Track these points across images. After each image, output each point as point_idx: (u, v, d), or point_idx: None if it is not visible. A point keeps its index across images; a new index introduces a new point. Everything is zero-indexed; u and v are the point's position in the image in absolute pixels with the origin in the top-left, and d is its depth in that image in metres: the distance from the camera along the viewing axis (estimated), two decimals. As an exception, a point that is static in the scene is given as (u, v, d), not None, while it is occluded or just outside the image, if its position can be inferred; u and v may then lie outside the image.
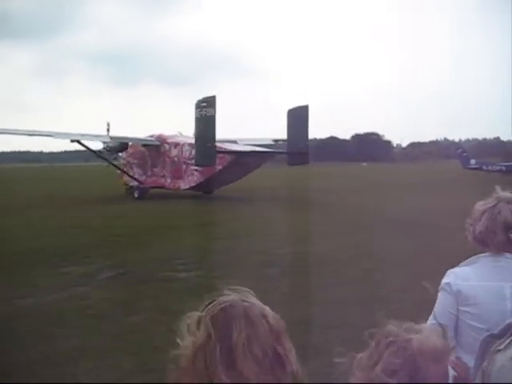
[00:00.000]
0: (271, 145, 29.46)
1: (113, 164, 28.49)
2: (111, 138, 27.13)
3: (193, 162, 23.86)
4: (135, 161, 27.70)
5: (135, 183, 27.25)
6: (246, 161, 23.93)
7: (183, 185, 25.67)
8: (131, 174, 27.54)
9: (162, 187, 26.58)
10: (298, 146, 23.70)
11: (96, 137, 26.88)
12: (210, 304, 1.20)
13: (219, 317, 1.15)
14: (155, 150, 26.71)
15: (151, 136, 27.67)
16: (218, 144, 22.45)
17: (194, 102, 22.38)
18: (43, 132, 25.58)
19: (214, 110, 21.95)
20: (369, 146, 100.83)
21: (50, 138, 25.16)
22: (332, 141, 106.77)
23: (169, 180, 26.33)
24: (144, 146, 27.27)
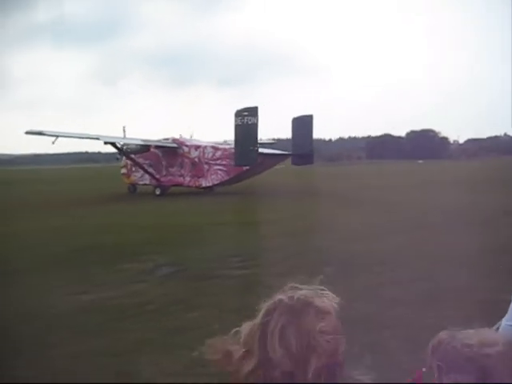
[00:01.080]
0: (273, 143, 34.46)
1: (138, 164, 29.79)
2: (143, 141, 29.52)
3: (217, 162, 27.92)
4: (147, 161, 29.77)
5: (147, 182, 29.76)
6: (266, 161, 27.34)
7: (205, 182, 28.64)
8: (139, 175, 30.10)
9: (180, 185, 29.17)
10: (304, 148, 27.34)
11: (127, 139, 29.80)
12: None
13: (268, 306, 1.30)
14: (172, 151, 29.32)
15: (166, 139, 30.25)
16: None
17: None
18: (91, 135, 27.80)
19: (256, 118, 25.76)
20: (425, 143, 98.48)
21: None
22: (386, 138, 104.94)
23: (188, 178, 29.10)
24: (158, 148, 29.69)
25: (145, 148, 29.54)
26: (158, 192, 28.56)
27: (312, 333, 1.22)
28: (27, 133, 26.04)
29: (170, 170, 29.44)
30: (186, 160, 29.16)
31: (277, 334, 1.24)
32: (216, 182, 28.39)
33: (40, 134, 25.81)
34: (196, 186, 28.89)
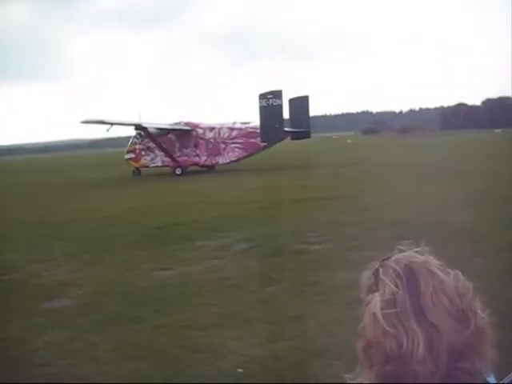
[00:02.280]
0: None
1: (161, 146, 31.61)
2: (186, 123, 32.33)
3: (233, 141, 31.19)
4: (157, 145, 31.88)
5: (159, 164, 32.33)
6: None
7: (222, 160, 31.67)
8: (149, 158, 32.59)
9: (196, 164, 31.99)
10: (301, 126, 30.72)
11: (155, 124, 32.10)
12: (384, 260, 1.18)
13: (403, 269, 1.13)
14: (186, 134, 31.76)
15: (178, 123, 32.66)
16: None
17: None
18: (133, 122, 30.70)
19: (280, 100, 29.28)
20: (503, 111, 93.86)
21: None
22: (461, 108, 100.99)
23: (204, 158, 31.87)
24: (171, 132, 31.89)
25: (165, 132, 31.69)
26: (178, 172, 30.85)
27: (461, 296, 1.09)
28: (83, 122, 28.53)
29: (184, 151, 31.90)
30: (201, 141, 31.80)
31: (430, 301, 1.07)
32: (233, 159, 31.48)
33: (87, 122, 28.54)
34: (212, 164, 31.90)
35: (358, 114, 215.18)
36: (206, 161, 31.95)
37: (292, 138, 32.55)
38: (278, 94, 29.34)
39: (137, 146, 33.15)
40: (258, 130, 30.44)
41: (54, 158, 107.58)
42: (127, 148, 33.99)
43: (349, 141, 75.49)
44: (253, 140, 30.84)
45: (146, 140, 32.38)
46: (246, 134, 31.37)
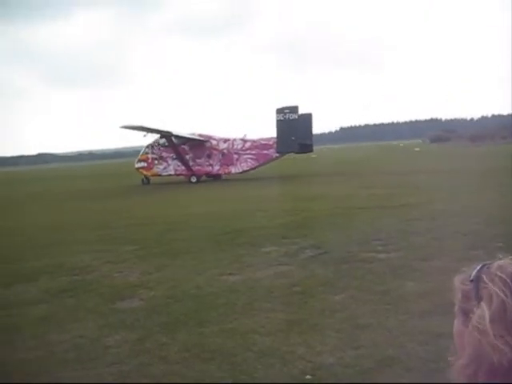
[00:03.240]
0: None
1: (181, 156, 33.58)
2: (199, 135, 34.67)
3: (246, 152, 33.63)
4: (171, 154, 33.88)
5: (172, 173, 34.23)
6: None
7: (234, 170, 33.97)
8: (162, 167, 34.36)
9: (209, 173, 34.35)
10: (306, 140, 32.51)
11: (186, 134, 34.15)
12: (485, 266, 1.12)
13: (510, 277, 1.07)
14: (199, 144, 33.86)
15: (192, 134, 34.52)
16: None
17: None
18: (164, 130, 32.45)
19: (296, 115, 31.81)
20: None
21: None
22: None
23: (217, 167, 34.14)
24: (184, 142, 33.83)
25: (183, 141, 33.69)
26: (193, 180, 33.30)
27: None
28: (123, 127, 30.44)
29: (198, 160, 33.99)
30: (215, 151, 34.03)
31: None
32: (246, 169, 34.00)
33: (126, 127, 30.47)
34: (226, 173, 34.19)
35: (426, 121, 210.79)
36: (219, 170, 34.29)
37: (296, 153, 34.16)
38: (294, 110, 32.09)
39: (149, 155, 34.80)
40: (271, 142, 33.18)
41: (126, 163, 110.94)
42: (138, 157, 35.50)
43: (416, 149, 73.87)
44: (265, 151, 33.59)
45: (158, 149, 34.27)
46: (259, 145, 33.82)
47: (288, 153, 33.72)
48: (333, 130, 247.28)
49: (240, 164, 34.00)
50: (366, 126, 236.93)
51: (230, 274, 8.44)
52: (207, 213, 16.70)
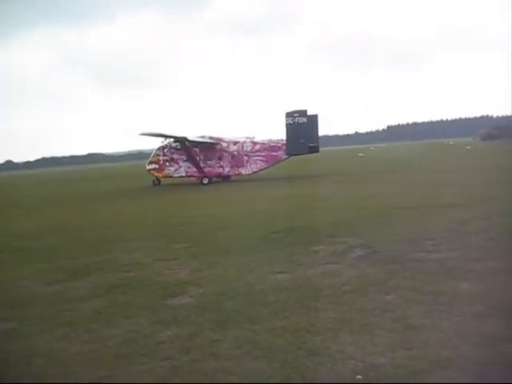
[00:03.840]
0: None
1: (193, 158, 34.88)
2: (210, 137, 35.86)
3: (256, 154, 34.92)
4: (182, 156, 35.31)
5: (183, 174, 35.48)
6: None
7: (244, 171, 35.28)
8: (173, 169, 35.56)
9: (220, 175, 35.52)
10: (312, 142, 33.66)
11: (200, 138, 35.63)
12: None
13: None
14: (210, 147, 35.04)
15: (203, 136, 35.72)
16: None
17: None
18: (178, 136, 34.16)
19: (305, 118, 33.21)
20: None
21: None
22: None
23: (227, 169, 35.35)
24: (195, 145, 35.07)
25: (194, 144, 34.96)
26: (205, 181, 34.24)
27: None
28: (142, 134, 32.21)
29: (209, 162, 35.17)
30: (225, 153, 35.16)
31: None
32: (255, 170, 35.24)
33: (145, 134, 32.16)
34: (236, 175, 35.46)
35: (476, 118, 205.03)
36: (229, 171, 35.54)
37: (304, 154, 35.30)
38: (303, 113, 33.41)
39: (160, 158, 36.06)
40: (279, 144, 34.64)
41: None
42: (150, 159, 36.82)
43: (467, 147, 72.07)
44: (274, 153, 34.91)
45: (170, 151, 35.55)
46: (268, 147, 35.12)
47: (297, 155, 34.89)
48: (380, 129, 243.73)
49: (250, 165, 35.25)
50: (415, 124, 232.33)
51: (280, 272, 8.44)
52: (251, 212, 16.77)
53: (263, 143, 35.44)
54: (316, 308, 6.56)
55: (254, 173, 35.19)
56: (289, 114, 33.54)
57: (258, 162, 35.12)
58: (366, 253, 9.42)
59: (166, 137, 34.38)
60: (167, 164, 35.81)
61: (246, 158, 35.15)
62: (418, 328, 5.63)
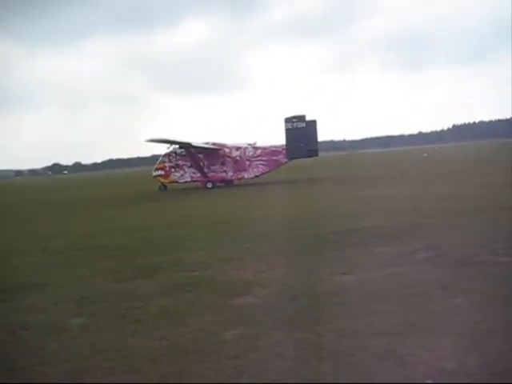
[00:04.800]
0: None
1: (198, 163, 36.46)
2: (213, 143, 37.39)
3: (257, 158, 36.48)
4: (187, 163, 36.89)
5: (188, 180, 37.08)
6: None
7: (247, 175, 36.90)
8: (179, 174, 37.16)
9: (223, 179, 37.00)
10: (311, 146, 35.50)
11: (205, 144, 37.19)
12: None
13: None
14: (214, 152, 36.62)
15: (206, 143, 37.32)
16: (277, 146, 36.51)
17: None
18: (184, 142, 35.55)
19: (304, 123, 34.59)
20: None
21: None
22: None
23: (231, 173, 36.94)
24: (199, 151, 36.65)
25: (198, 150, 36.50)
26: (209, 185, 35.89)
27: None
28: (148, 141, 33.99)
29: (212, 167, 36.74)
30: (228, 159, 36.77)
31: None
32: (257, 174, 36.83)
33: (151, 141, 34.08)
34: (239, 179, 37.05)
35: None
36: (232, 176, 37.11)
37: (305, 157, 37.05)
38: (301, 118, 34.77)
39: (166, 164, 37.67)
40: (280, 149, 36.08)
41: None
42: (156, 166, 38.36)
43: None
44: (275, 157, 36.40)
45: (175, 158, 37.14)
46: (269, 152, 36.66)
47: (297, 158, 36.90)
48: (445, 128, 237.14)
49: (252, 170, 36.83)
50: (481, 122, 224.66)
51: (344, 273, 8.39)
52: (308, 213, 16.72)
53: (264, 148, 37.14)
54: (382, 310, 6.48)
55: (256, 177, 36.94)
56: (288, 120, 34.89)
57: (260, 166, 36.78)
58: (432, 255, 9.22)
59: (172, 143, 35.88)
60: (173, 170, 37.52)
61: (248, 162, 36.83)
62: (490, 333, 5.47)
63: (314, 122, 35.61)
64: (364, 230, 12.29)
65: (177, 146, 36.72)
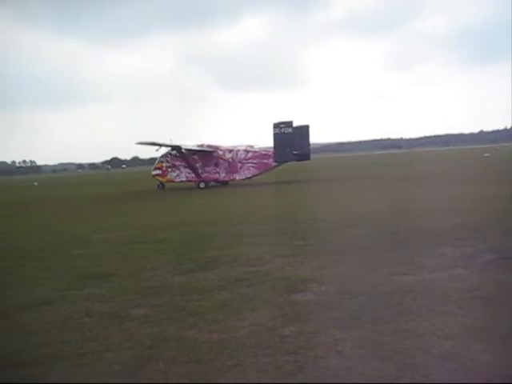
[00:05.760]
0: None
1: (191, 164, 38.36)
2: (208, 145, 39.29)
3: (248, 161, 38.25)
4: (182, 163, 38.86)
5: (183, 179, 39.18)
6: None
7: (238, 177, 38.64)
8: (175, 174, 39.30)
9: (216, 180, 38.99)
10: (303, 150, 37.09)
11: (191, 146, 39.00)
12: None
13: None
14: (208, 154, 38.47)
15: (201, 145, 39.12)
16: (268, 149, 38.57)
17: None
18: (173, 144, 37.78)
19: (291, 128, 36.21)
20: None
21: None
22: None
23: (223, 174, 38.74)
24: (194, 153, 38.56)
25: (192, 152, 38.42)
26: (202, 185, 37.97)
27: None
28: (138, 143, 35.79)
29: (206, 168, 38.63)
30: (221, 160, 38.62)
31: None
32: (248, 176, 38.50)
33: (141, 143, 35.67)
34: (231, 180, 38.84)
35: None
36: (225, 177, 38.89)
37: (296, 160, 38.51)
38: (289, 124, 36.46)
39: (164, 164, 40.02)
40: (270, 153, 37.70)
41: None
42: (155, 166, 40.89)
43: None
44: (265, 160, 38.08)
45: (172, 158, 39.16)
46: (259, 155, 38.52)
47: (285, 162, 38.65)
48: (508, 127, 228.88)
49: (243, 172, 38.61)
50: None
51: (404, 273, 8.25)
52: (366, 211, 16.51)
53: (255, 151, 39.13)
54: (444, 312, 6.34)
55: (248, 178, 38.62)
56: (276, 125, 36.62)
57: (251, 168, 38.55)
58: (497, 257, 8.93)
59: (160, 145, 37.41)
60: (169, 170, 39.77)
61: (239, 164, 38.62)
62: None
63: (305, 127, 37.35)
64: (423, 231, 12.04)
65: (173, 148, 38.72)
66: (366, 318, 6.32)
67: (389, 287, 7.54)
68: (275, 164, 38.54)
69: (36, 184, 73.04)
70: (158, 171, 40.50)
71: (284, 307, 7.03)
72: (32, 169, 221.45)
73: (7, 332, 6.95)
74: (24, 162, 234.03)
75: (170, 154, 39.46)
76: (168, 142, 37.77)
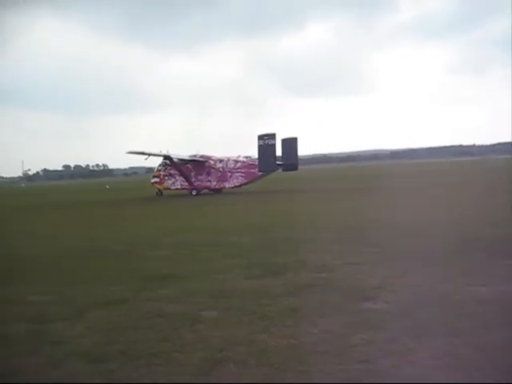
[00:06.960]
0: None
1: (184, 173, 41.28)
2: (201, 156, 42.22)
3: (237, 170, 40.72)
4: (177, 172, 41.47)
5: (178, 187, 41.79)
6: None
7: (228, 185, 41.15)
8: (171, 182, 42.00)
9: (208, 188, 41.71)
10: (291, 160, 40.05)
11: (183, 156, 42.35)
12: None
13: None
14: (200, 164, 41.20)
15: (194, 155, 42.14)
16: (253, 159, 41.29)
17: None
18: (164, 153, 41.03)
19: (274, 140, 38.85)
20: None
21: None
22: None
23: (214, 183, 41.40)
24: (189, 162, 41.50)
25: (185, 162, 41.43)
26: (194, 193, 40.82)
27: None
28: (128, 153, 40.19)
29: (199, 177, 41.26)
30: (213, 170, 41.18)
31: None
32: (237, 184, 40.83)
33: (131, 153, 40.47)
34: (221, 188, 41.53)
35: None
36: (215, 185, 41.31)
37: (283, 170, 41.56)
38: (272, 136, 38.89)
39: (161, 172, 42.55)
40: (256, 163, 39.82)
41: (355, 166, 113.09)
42: (153, 174, 43.64)
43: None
44: (252, 170, 40.25)
45: (168, 168, 41.66)
46: (247, 165, 40.86)
47: (269, 172, 41.32)
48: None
49: (232, 180, 40.93)
50: None
51: (482, 285, 8.00)
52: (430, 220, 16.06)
53: (243, 161, 41.43)
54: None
55: (236, 187, 40.84)
56: (260, 137, 38.94)
57: (239, 177, 40.79)
58: None
59: (150, 155, 40.26)
60: (166, 178, 42.34)
61: (229, 173, 40.96)
62: None
63: (293, 140, 40.12)
64: (486, 240, 11.66)
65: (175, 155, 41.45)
66: (440, 329, 6.17)
67: (464, 298, 7.33)
68: (261, 174, 40.72)
69: (108, 187, 75.41)
70: (156, 179, 43.13)
71: (354, 315, 6.94)
72: (104, 172, 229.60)
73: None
74: (97, 165, 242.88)
75: (166, 163, 42.08)
76: (164, 152, 40.84)
